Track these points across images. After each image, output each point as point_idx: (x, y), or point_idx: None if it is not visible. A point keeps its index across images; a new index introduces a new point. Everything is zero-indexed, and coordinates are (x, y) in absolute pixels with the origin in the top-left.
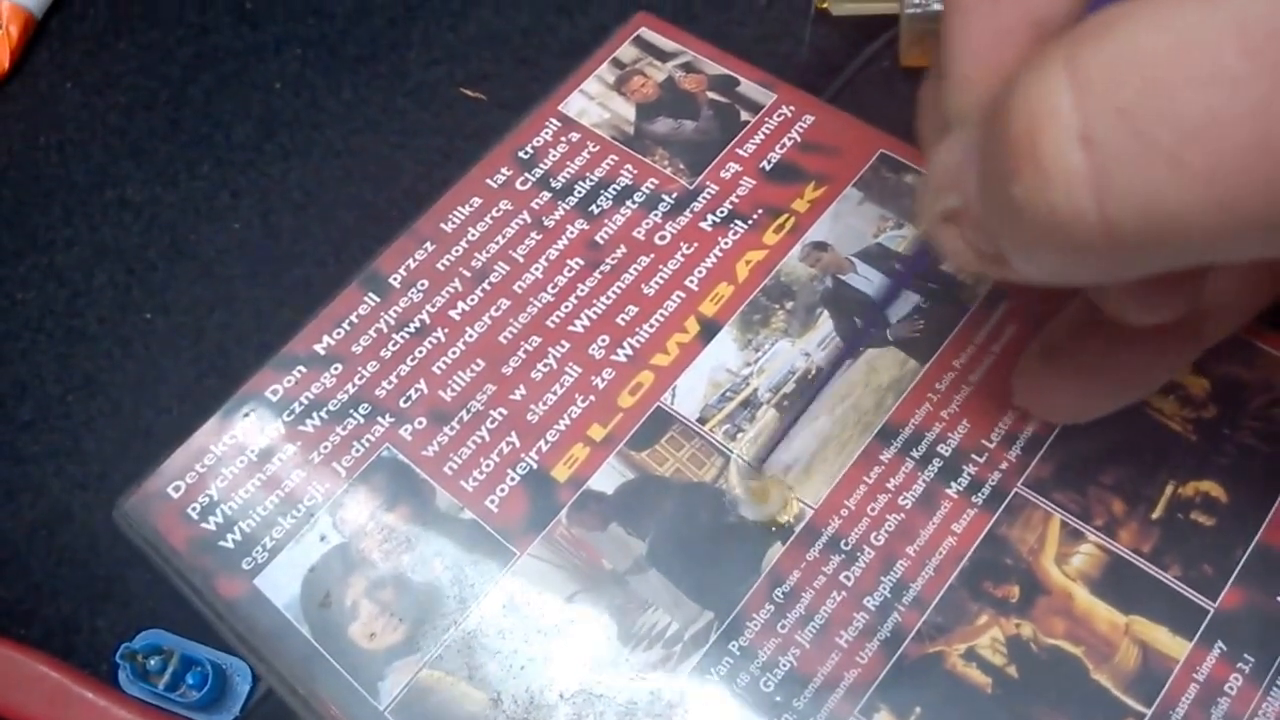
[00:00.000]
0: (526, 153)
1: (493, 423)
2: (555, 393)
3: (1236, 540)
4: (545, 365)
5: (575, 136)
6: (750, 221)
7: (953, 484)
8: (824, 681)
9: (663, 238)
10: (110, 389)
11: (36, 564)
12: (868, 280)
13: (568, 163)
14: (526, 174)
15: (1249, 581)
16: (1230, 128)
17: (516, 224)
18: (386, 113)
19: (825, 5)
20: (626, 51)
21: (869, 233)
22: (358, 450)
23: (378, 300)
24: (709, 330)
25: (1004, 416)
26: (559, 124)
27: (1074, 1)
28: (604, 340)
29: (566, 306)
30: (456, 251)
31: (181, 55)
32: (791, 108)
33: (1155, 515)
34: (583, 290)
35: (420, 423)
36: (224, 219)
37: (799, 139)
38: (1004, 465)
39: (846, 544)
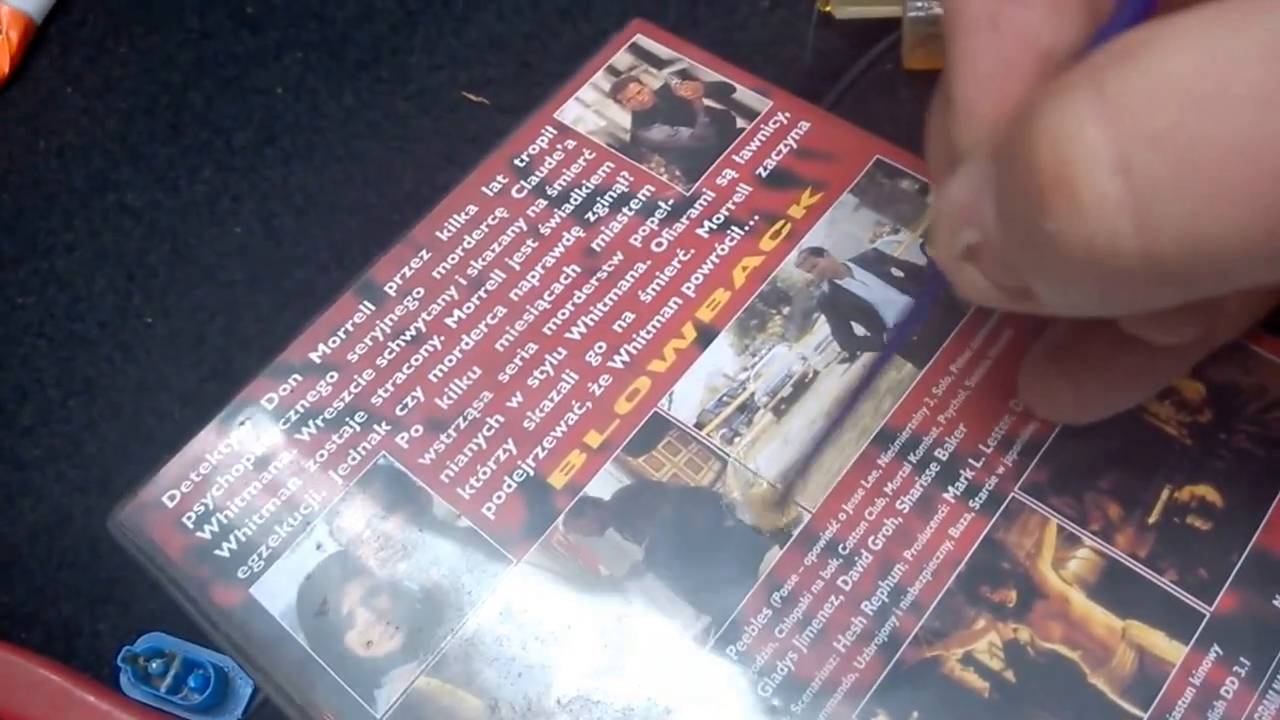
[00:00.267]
0: (522, 160)
1: (489, 430)
2: (552, 399)
3: (1232, 544)
4: (542, 372)
5: (571, 144)
6: (747, 228)
7: (950, 488)
8: (822, 686)
9: (659, 244)
10: (111, 394)
11: (37, 568)
12: (864, 285)
13: (564, 170)
14: (522, 181)
15: (1245, 585)
16: (1270, 147)
17: (512, 231)
18: (388, 117)
19: (828, 9)
20: (622, 59)
21: (865, 238)
22: (354, 458)
23: (373, 308)
24: (706, 336)
25: (1001, 420)
26: (555, 131)
27: (1080, 31)
28: (601, 347)
29: (563, 313)
30: (452, 259)
31: (182, 60)
32: (787, 114)
33: (1151, 519)
34: (579, 297)
35: (417, 430)
36: (225, 224)
37: (795, 145)
38: (1001, 469)
39: (844, 548)
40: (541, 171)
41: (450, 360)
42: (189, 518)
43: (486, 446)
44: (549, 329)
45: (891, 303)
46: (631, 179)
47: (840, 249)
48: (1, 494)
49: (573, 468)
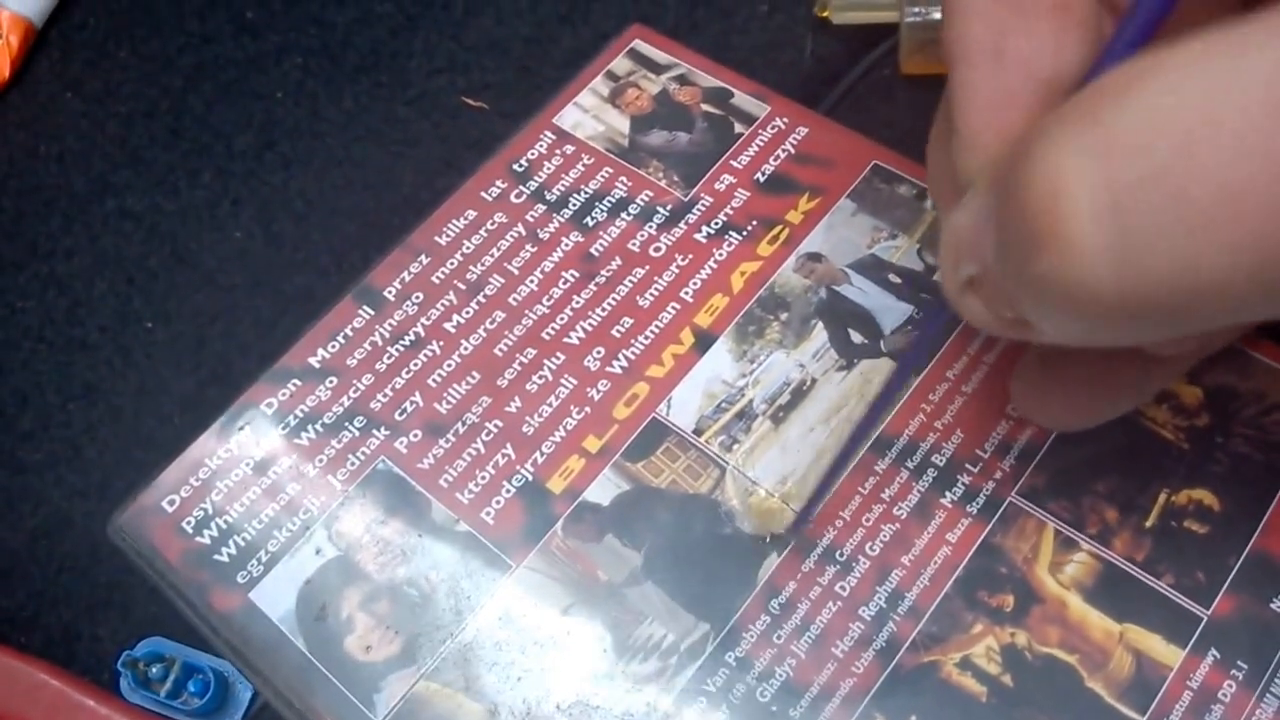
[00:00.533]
0: (521, 165)
1: (488, 435)
2: (550, 405)
3: (1229, 548)
4: (540, 377)
5: (570, 149)
6: (744, 233)
7: (947, 493)
8: (820, 691)
9: (657, 249)
10: (111, 398)
11: (37, 572)
12: (862, 291)
13: (562, 175)
14: (521, 187)
15: (1242, 589)
16: (1261, 193)
17: (511, 237)
18: (388, 122)
19: (826, 14)
20: (620, 64)
21: (863, 244)
22: (353, 463)
23: (372, 313)
24: (704, 342)
25: (998, 426)
26: (553, 137)
27: (1080, 61)
28: (599, 352)
29: (561, 319)
30: (451, 264)
31: (182, 64)
32: (785, 119)
33: (1148, 523)
34: (578, 302)
35: (415, 435)
36: (225, 228)
37: (793, 150)
38: (998, 474)
39: (842, 554)
40: (540, 176)
41: (449, 365)
42: (188, 522)
43: (485, 451)
44: (547, 334)
45: (889, 309)
46: (630, 184)
47: (838, 254)
48: (1, 498)
49: (571, 473)
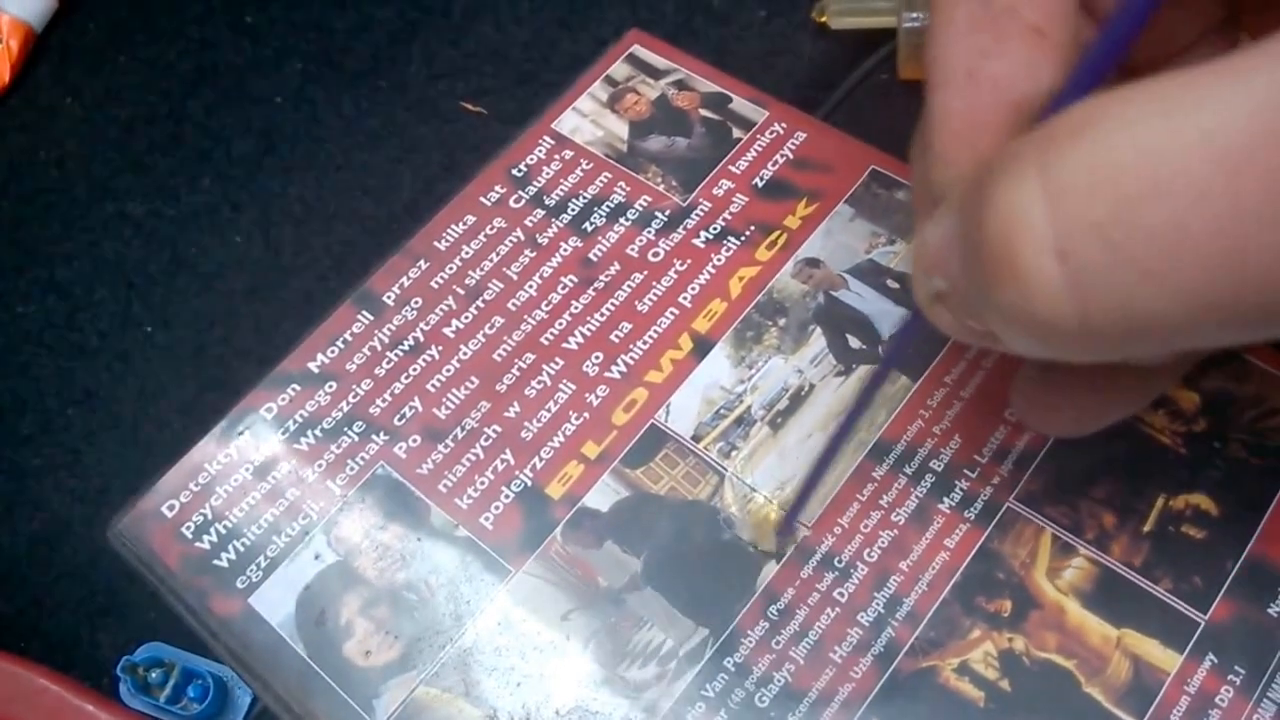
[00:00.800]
0: (520, 170)
1: (487, 440)
2: (549, 410)
3: (1227, 553)
4: (539, 383)
5: (568, 154)
6: (743, 238)
7: (945, 499)
8: (818, 696)
9: (656, 255)
10: (110, 403)
11: (36, 577)
12: (860, 296)
13: (561, 180)
14: (520, 192)
15: (1239, 593)
16: (1201, 241)
17: (510, 242)
18: (387, 127)
19: (824, 19)
20: (619, 69)
21: (861, 249)
22: (352, 468)
23: (371, 318)
24: (702, 347)
25: (996, 431)
26: (552, 142)
27: (1051, 83)
28: (598, 357)
29: (560, 324)
30: (450, 269)
31: (182, 69)
32: (783, 125)
33: (1146, 528)
34: (576, 307)
35: (414, 440)
36: (224, 233)
37: (791, 156)
38: (996, 480)
39: (840, 561)
40: (539, 181)
41: (448, 370)
42: (188, 528)
43: (484, 456)
44: (546, 339)
45: (887, 315)
46: (628, 189)
47: (836, 260)
48: (1, 503)
49: (570, 478)
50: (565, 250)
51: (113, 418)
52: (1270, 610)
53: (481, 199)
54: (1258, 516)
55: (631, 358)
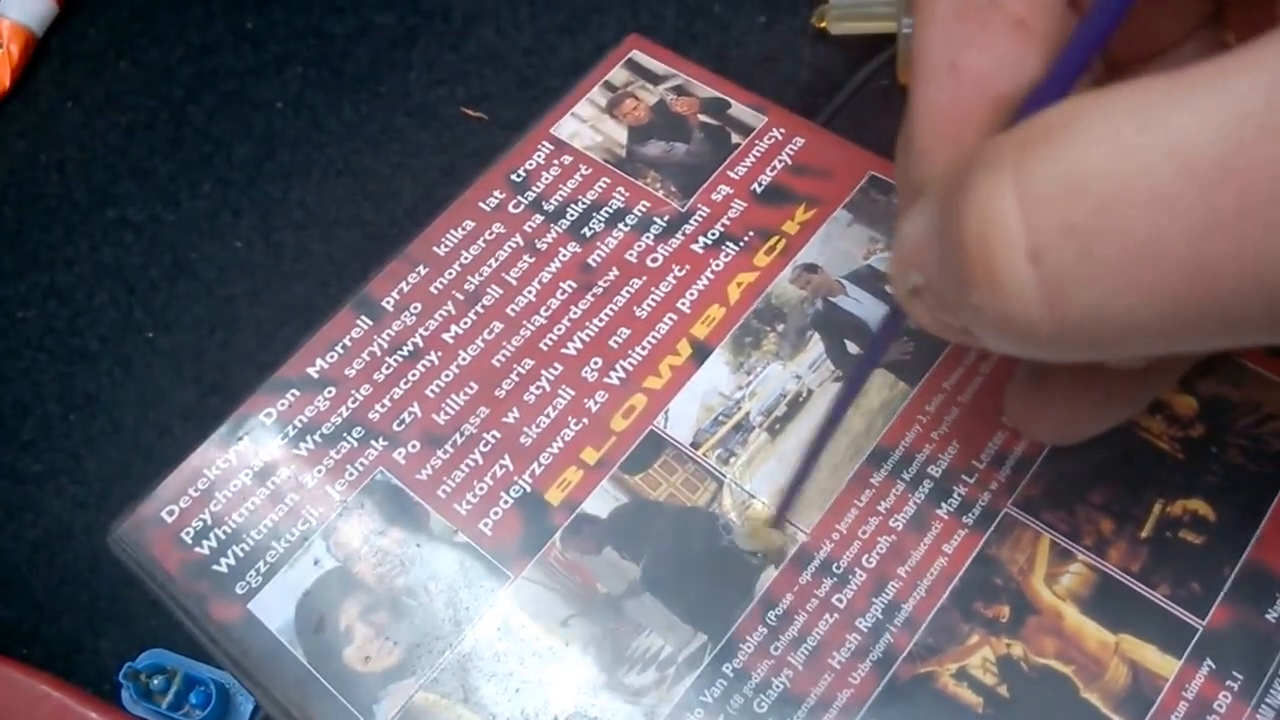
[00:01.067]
0: (519, 176)
1: (486, 446)
2: (548, 416)
3: (1225, 558)
4: (538, 388)
5: (568, 159)
6: (741, 244)
7: (943, 505)
8: (817, 702)
9: (655, 260)
10: (111, 408)
11: (38, 584)
12: (858, 302)
13: (560, 186)
14: (519, 197)
15: (1237, 599)
16: (1171, 248)
17: (509, 247)
18: (387, 132)
19: (823, 25)
20: (618, 74)
21: (859, 255)
22: (351, 474)
23: (370, 324)
24: (701, 353)
25: (993, 437)
26: (551, 147)
27: (1036, 75)
28: (597, 363)
29: (559, 329)
30: (449, 275)
31: (182, 74)
32: (782, 130)
33: (1144, 534)
34: (575, 313)
35: (414, 446)
36: (225, 238)
37: (789, 161)
38: (994, 485)
39: (838, 567)
40: (538, 187)
41: (447, 375)
42: (187, 533)
43: (483, 462)
44: (545, 344)
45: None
46: (627, 194)
47: (834, 265)
48: (2, 509)
49: (569, 484)
50: (564, 255)
51: (113, 423)
52: (1268, 616)
53: (480, 204)
54: (1255, 522)
55: (630, 363)
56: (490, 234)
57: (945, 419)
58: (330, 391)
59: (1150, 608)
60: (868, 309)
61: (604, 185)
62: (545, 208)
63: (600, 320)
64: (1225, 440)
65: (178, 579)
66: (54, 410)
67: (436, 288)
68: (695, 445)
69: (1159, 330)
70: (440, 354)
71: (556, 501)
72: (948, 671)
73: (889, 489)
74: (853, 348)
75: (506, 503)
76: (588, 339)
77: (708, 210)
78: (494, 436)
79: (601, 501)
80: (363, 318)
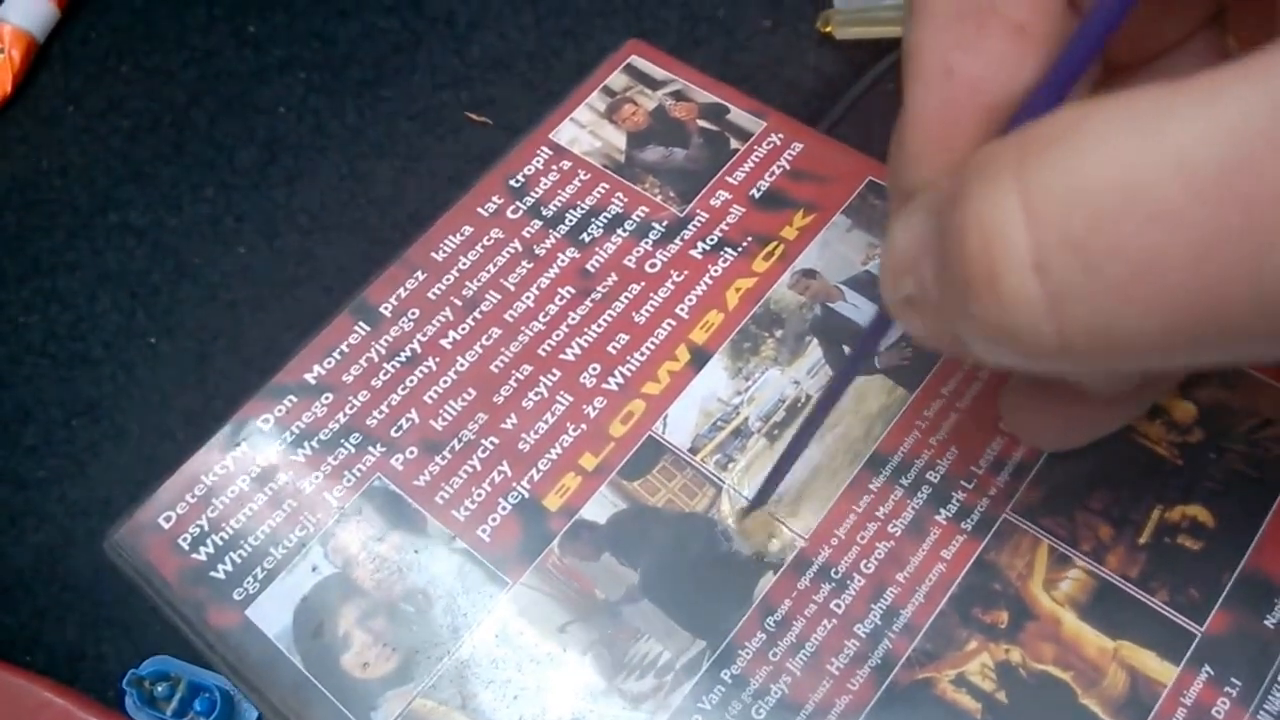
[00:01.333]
0: (517, 181)
1: (484, 452)
2: (546, 422)
3: (1223, 564)
4: (536, 394)
5: (566, 165)
6: (740, 249)
7: (942, 510)
8: (815, 708)
9: (653, 266)
10: (114, 414)
11: (40, 590)
12: (856, 308)
13: (559, 191)
14: (517, 202)
15: (1236, 605)
16: (1175, 262)
17: (507, 253)
18: (391, 137)
19: (829, 29)
20: (617, 79)
21: (857, 260)
22: (349, 480)
23: (368, 329)
24: (699, 358)
25: (992, 442)
26: (550, 152)
27: (1025, 86)
28: (595, 369)
29: (557, 335)
30: (447, 280)
31: (185, 79)
32: (781, 135)
33: (1142, 540)
34: (574, 319)
35: (411, 452)
36: (228, 243)
37: (788, 166)
38: (992, 491)
39: (837, 572)
40: (537, 192)
41: (445, 381)
42: (184, 539)
43: (481, 468)
44: (543, 350)
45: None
46: (626, 200)
47: (832, 271)
48: (4, 515)
49: (568, 490)
50: (563, 261)
51: (116, 428)
52: (1266, 621)
53: (479, 210)
54: (1254, 528)
55: (629, 369)
56: (489, 239)
57: (944, 425)
58: (328, 397)
59: (1149, 614)
60: (866, 315)
61: (602, 190)
62: (544, 213)
63: (599, 326)
64: (1224, 446)
65: (175, 585)
66: (56, 416)
67: (434, 293)
68: (694, 451)
69: (1165, 345)
70: (438, 360)
71: (555, 507)
72: (946, 677)
73: (887, 494)
74: (851, 353)
75: (505, 509)
76: (586, 345)
77: (706, 216)
78: (492, 442)
79: (600, 507)
80: (360, 323)
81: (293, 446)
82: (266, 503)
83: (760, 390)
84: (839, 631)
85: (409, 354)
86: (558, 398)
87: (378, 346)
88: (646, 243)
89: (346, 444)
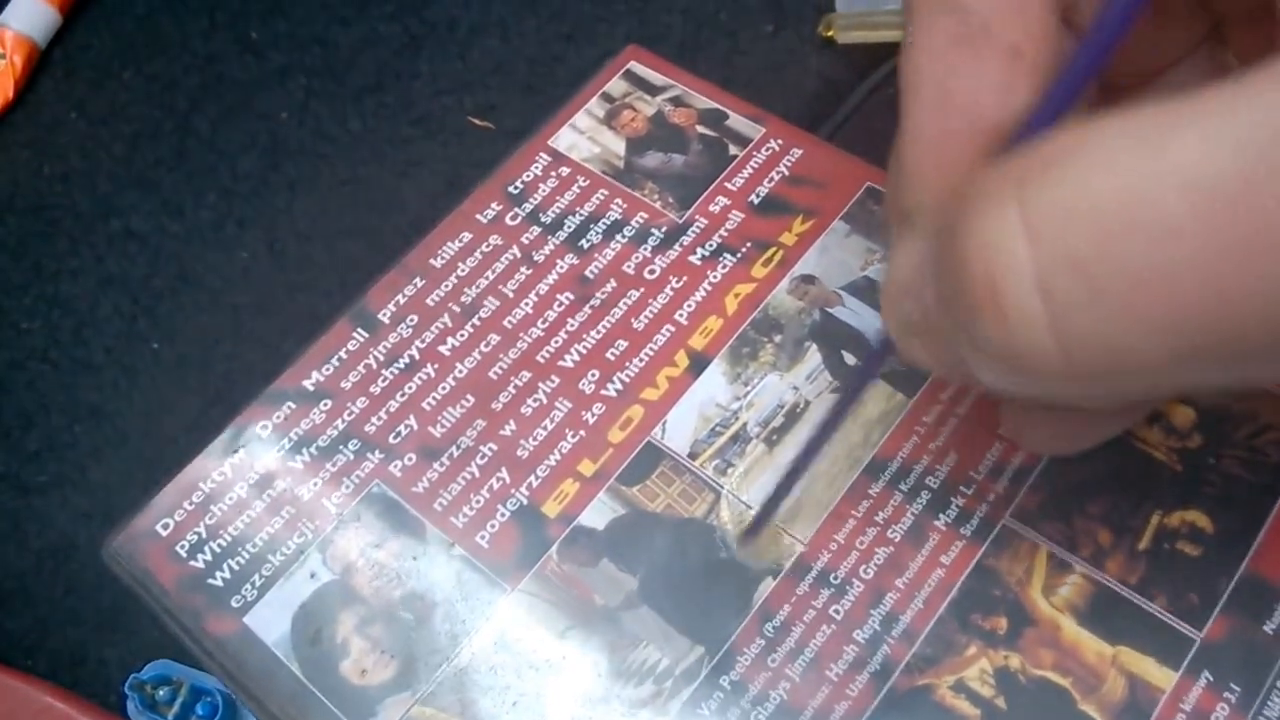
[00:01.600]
0: (516, 187)
1: (482, 458)
2: (545, 428)
3: (1222, 570)
4: (535, 400)
5: (565, 171)
6: (739, 255)
7: (941, 516)
8: (814, 714)
9: (652, 271)
10: (116, 419)
11: (42, 595)
12: (855, 313)
13: (557, 197)
14: (516, 209)
15: (1235, 611)
16: (1180, 280)
17: (506, 259)
18: (393, 142)
19: (831, 34)
20: (616, 85)
21: (856, 266)
22: (347, 486)
23: (367, 336)
24: (698, 364)
25: (991, 448)
26: (549, 158)
27: (1023, 107)
28: (594, 375)
29: (556, 341)
30: (446, 287)
31: (186, 85)
32: (780, 141)
33: (1141, 545)
34: (572, 325)
35: (410, 459)
36: (230, 249)
37: (787, 172)
38: (991, 497)
39: (836, 578)
40: (535, 198)
41: (443, 388)
42: (182, 546)
43: (480, 475)
44: (542, 357)
45: (882, 332)
46: (625, 206)
47: (831, 276)
48: (7, 520)
49: (566, 497)
50: (561, 267)
51: (118, 434)
52: (1265, 627)
53: (477, 216)
54: (1253, 533)
55: (628, 375)
56: (487, 246)
57: (943, 430)
58: (326, 404)
59: (1148, 619)
60: (865, 320)
61: (601, 197)
62: (542, 219)
63: (597, 332)
64: (1223, 451)
65: (172, 593)
66: (59, 421)
67: (433, 300)
68: (692, 456)
69: (1172, 364)
70: (437, 366)
71: (553, 514)
72: (945, 683)
73: (887, 500)
74: (850, 359)
75: (503, 515)
76: (585, 351)
77: (705, 222)
78: (491, 449)
79: (598, 513)
80: (359, 330)
81: (291, 453)
82: (265, 509)
83: (759, 396)
84: (838, 637)
85: (407, 360)
86: (556, 404)
87: (376, 353)
88: (645, 249)
89: (345, 450)
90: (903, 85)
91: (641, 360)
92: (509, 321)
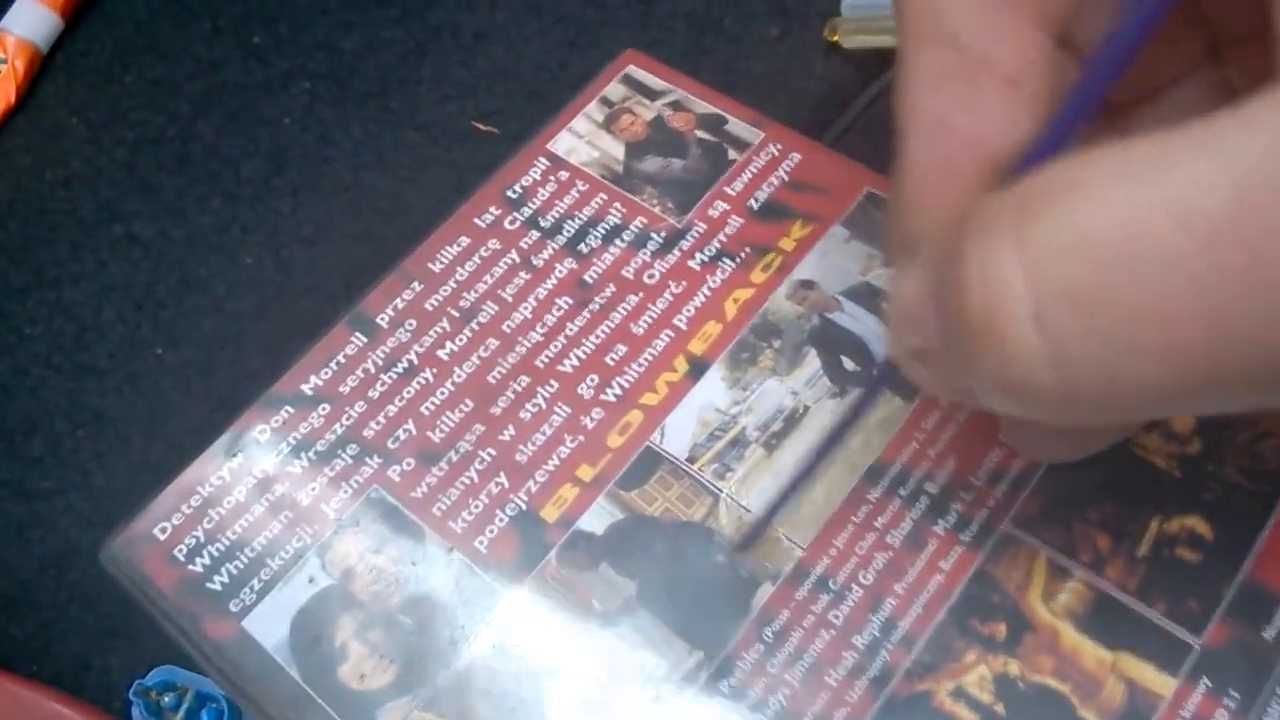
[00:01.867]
0: (515, 192)
1: (481, 463)
2: (544, 433)
3: (1222, 576)
4: (534, 405)
5: (564, 175)
6: (738, 260)
7: (940, 522)
8: None
9: (651, 276)
10: (120, 425)
11: (47, 600)
12: (854, 319)
13: (556, 202)
14: (515, 213)
15: (1234, 617)
16: (1179, 310)
17: (505, 263)
18: (397, 147)
19: (836, 38)
20: (615, 90)
21: (856, 271)
22: (346, 491)
23: (365, 340)
24: (697, 369)
25: (991, 454)
26: (548, 163)
27: (1025, 135)
28: (593, 380)
29: (555, 346)
30: (444, 291)
31: (190, 90)
32: (779, 146)
33: (1141, 552)
34: (571, 329)
35: (408, 463)
36: (233, 254)
37: (786, 177)
38: (991, 503)
39: (835, 583)
40: (534, 203)
41: (442, 393)
42: (180, 550)
43: (478, 480)
44: (541, 361)
45: (881, 337)
46: (624, 210)
47: (831, 281)
48: (10, 526)
49: (565, 501)
50: (560, 272)
51: (122, 439)
52: (1265, 634)
53: (476, 220)
54: (1252, 539)
55: (627, 380)
56: (486, 250)
57: (942, 436)
58: (325, 408)
59: (1147, 626)
60: (864, 325)
61: (600, 201)
62: (541, 224)
63: (596, 337)
64: (1222, 457)
65: (171, 597)
66: (62, 427)
67: (432, 304)
68: (691, 460)
69: (1172, 394)
70: (435, 371)
71: (552, 518)
72: (944, 689)
73: (886, 505)
74: (849, 364)
75: (502, 520)
76: (584, 355)
77: (704, 226)
78: (489, 454)
79: (597, 518)
80: (357, 334)
81: (290, 457)
82: (263, 513)
83: (758, 400)
84: (837, 643)
85: (406, 365)
86: (555, 409)
87: (375, 357)
88: (644, 253)
89: (344, 455)
90: (899, 116)
91: (640, 365)
92: (507, 326)
